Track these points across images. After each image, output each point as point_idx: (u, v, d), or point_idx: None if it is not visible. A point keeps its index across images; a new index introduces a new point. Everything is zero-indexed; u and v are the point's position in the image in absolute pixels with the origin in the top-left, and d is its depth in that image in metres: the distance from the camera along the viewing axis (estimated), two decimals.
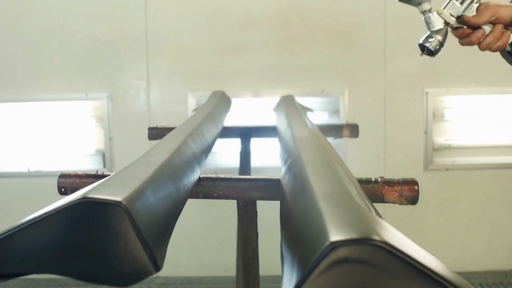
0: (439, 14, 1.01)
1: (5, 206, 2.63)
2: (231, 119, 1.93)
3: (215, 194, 0.87)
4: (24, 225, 0.46)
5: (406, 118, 2.64)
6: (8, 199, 2.65)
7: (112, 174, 0.64)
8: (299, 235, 0.43)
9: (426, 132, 2.63)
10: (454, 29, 1.03)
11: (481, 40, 0.99)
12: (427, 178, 2.63)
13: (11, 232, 0.46)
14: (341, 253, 0.33)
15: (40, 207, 0.49)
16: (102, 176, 0.83)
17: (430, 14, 1.01)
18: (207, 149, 1.02)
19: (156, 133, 1.53)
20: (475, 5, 0.99)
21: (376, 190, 0.80)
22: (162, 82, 2.62)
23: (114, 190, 0.46)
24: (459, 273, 0.37)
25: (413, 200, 0.81)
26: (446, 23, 1.01)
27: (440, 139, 2.68)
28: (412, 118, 2.63)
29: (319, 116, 2.66)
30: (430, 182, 2.64)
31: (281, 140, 1.02)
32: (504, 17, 0.97)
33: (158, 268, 0.44)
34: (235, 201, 0.89)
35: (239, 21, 2.60)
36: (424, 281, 0.34)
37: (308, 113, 1.46)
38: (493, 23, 0.99)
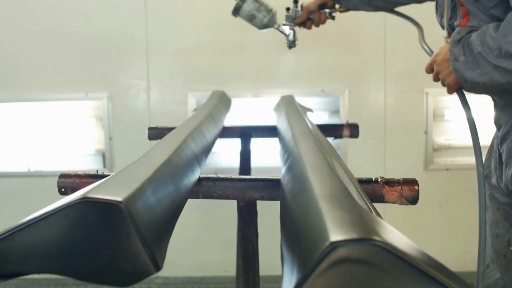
0: (284, 25, 1.67)
1: (5, 206, 2.63)
2: (231, 119, 1.93)
3: (215, 194, 0.87)
4: (24, 225, 0.46)
5: (406, 118, 2.64)
6: (8, 199, 2.65)
7: (112, 174, 0.64)
8: (299, 235, 0.43)
9: (426, 132, 2.62)
10: (299, 26, 1.67)
11: (313, 24, 1.66)
12: (427, 178, 2.63)
13: (11, 232, 0.46)
14: (341, 253, 0.33)
15: (40, 207, 0.49)
16: (102, 176, 0.83)
17: (280, 27, 1.67)
18: (207, 149, 1.02)
19: (156, 133, 1.53)
20: (299, 9, 1.63)
21: (376, 190, 0.80)
22: (162, 82, 2.62)
23: (114, 190, 0.46)
24: (459, 273, 0.37)
25: (413, 200, 0.81)
26: (291, 28, 1.66)
27: (440, 139, 2.67)
28: (412, 118, 2.63)
29: (319, 116, 2.66)
30: (430, 182, 2.64)
31: (281, 140, 1.03)
32: (312, 7, 1.63)
33: (158, 268, 0.44)
34: (235, 201, 0.89)
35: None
36: (424, 280, 0.34)
37: (308, 113, 1.46)
38: (312, 11, 1.63)
